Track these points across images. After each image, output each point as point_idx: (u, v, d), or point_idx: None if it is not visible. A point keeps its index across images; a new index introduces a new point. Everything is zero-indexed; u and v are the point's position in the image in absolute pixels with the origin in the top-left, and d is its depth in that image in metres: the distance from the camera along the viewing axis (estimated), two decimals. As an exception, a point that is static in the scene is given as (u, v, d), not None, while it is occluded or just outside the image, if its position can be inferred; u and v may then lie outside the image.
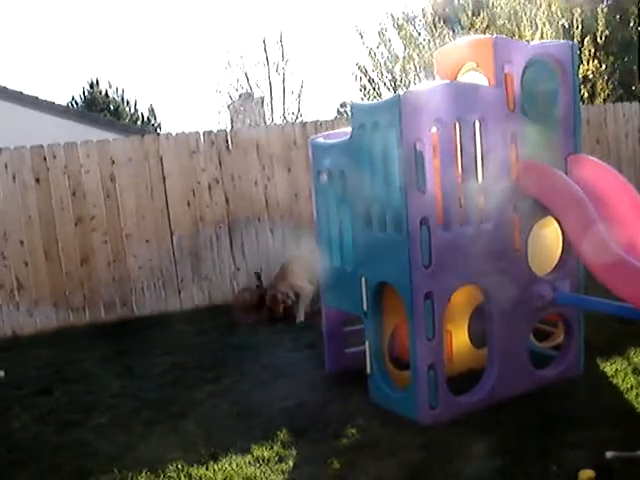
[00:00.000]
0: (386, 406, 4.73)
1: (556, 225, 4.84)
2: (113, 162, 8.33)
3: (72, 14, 48.39)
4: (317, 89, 45.82)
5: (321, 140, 5.38)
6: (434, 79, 5.25)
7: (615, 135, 10.44)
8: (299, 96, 25.30)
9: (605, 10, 14.11)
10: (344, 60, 31.65)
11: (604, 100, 13.82)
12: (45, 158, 8.12)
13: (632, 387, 4.73)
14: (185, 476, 4.06)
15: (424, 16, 14.91)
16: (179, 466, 4.16)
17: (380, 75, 15.51)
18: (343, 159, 4.91)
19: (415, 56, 14.74)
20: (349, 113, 4.87)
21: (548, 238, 4.95)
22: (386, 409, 4.70)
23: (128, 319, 8.30)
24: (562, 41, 5.27)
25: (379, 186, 4.53)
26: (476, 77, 4.80)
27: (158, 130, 29.45)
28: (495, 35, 5.01)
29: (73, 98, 31.15)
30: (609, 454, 3.75)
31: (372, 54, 15.37)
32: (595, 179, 4.74)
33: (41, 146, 8.13)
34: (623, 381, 4.86)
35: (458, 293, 4.68)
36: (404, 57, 15.14)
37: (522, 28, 13.50)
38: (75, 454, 4.52)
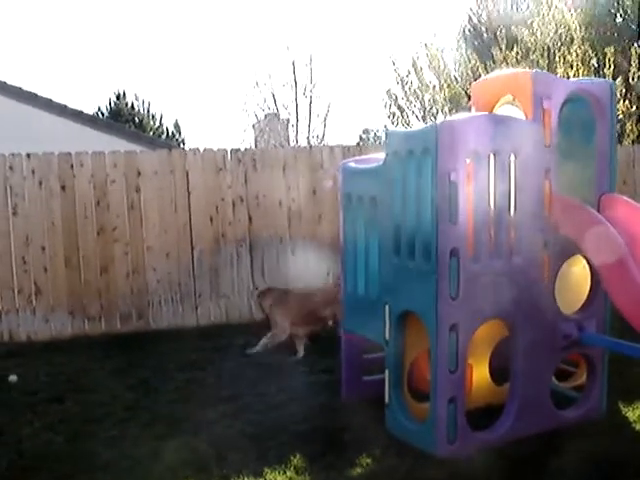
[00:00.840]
0: (403, 437, 4.66)
1: (585, 264, 4.79)
2: (139, 174, 8.35)
3: (102, 25, 48.96)
4: (340, 114, 45.98)
5: (353, 165, 5.35)
6: (469, 111, 5.23)
7: (643, 176, 10.38)
8: (325, 119, 25.38)
9: (638, 51, 14.06)
10: (369, 86, 31.77)
11: (633, 142, 13.75)
12: (72, 166, 8.15)
13: (656, 434, 4.64)
14: (197, 496, 4.01)
15: (457, 49, 14.97)
16: (191, 485, 4.11)
17: (409, 103, 15.57)
18: (375, 185, 4.87)
19: (445, 87, 14.76)
20: (370, 139, 4.86)
21: (577, 276, 4.89)
22: (402, 440, 4.63)
23: (144, 332, 8.25)
24: (601, 79, 5.24)
25: (410, 214, 4.49)
26: (513, 111, 4.77)
27: (182, 145, 29.59)
28: (535, 69, 4.98)
29: (99, 108, 31.40)
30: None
31: (403, 82, 15.43)
32: (627, 219, 4.68)
33: (69, 153, 8.17)
34: (646, 427, 4.77)
35: (482, 327, 4.62)
36: (434, 87, 15.18)
37: (554, 65, 13.50)
38: (85, 465, 4.48)
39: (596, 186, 4.84)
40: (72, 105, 15.41)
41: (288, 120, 19.01)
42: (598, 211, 4.72)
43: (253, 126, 18.93)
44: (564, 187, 4.66)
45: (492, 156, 4.41)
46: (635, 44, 14.41)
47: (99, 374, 6.58)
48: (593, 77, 12.37)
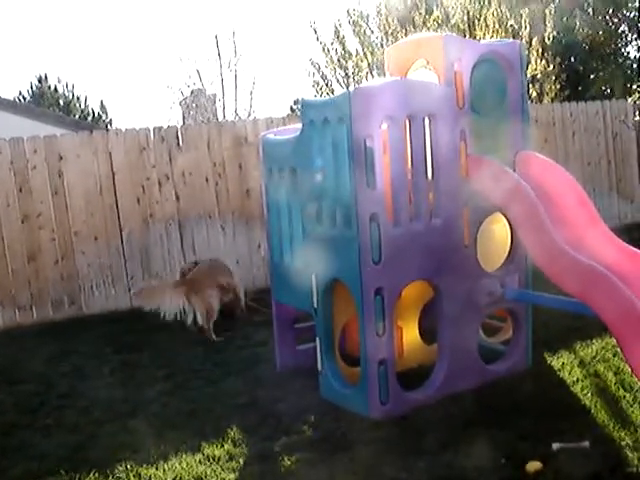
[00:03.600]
0: (337, 402, 4.74)
1: (505, 221, 4.91)
2: (61, 158, 8.18)
3: (19, 7, 47.35)
4: (270, 87, 45.66)
5: (272, 136, 5.35)
6: (385, 76, 5.27)
7: (563, 134, 10.65)
8: (251, 93, 25.17)
9: (552, 12, 14.36)
10: (297, 57, 31.57)
11: (552, 100, 14.06)
12: (-10, 153, 7.93)
13: (578, 380, 4.83)
14: (135, 476, 4.01)
15: (378, 14, 14.93)
16: (129, 466, 4.10)
17: (333, 72, 15.54)
18: (294, 155, 4.90)
19: (369, 54, 14.78)
20: (299, 110, 4.86)
21: (497, 234, 5.01)
22: (338, 405, 4.71)
23: (77, 317, 8.15)
24: (511, 40, 5.33)
25: (329, 182, 4.52)
26: (426, 75, 4.83)
27: (109, 126, 29.01)
28: (445, 33, 5.04)
29: (20, 93, 30.54)
30: (555, 445, 3.82)
31: (326, 50, 15.37)
32: (543, 176, 4.81)
33: (-15, 141, 7.94)
34: (569, 374, 4.95)
35: (408, 289, 4.71)
36: (357, 54, 15.18)
37: (473, 28, 13.66)
38: (21, 456, 4.42)
39: (511, 145, 4.94)
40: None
41: (214, 95, 18.73)
42: (514, 169, 4.83)
43: (179, 103, 18.65)
44: (480, 147, 4.75)
45: (407, 120, 4.47)
46: (550, 5, 14.71)
47: (32, 363, 6.47)
48: (511, 39, 12.55)
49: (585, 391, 4.64)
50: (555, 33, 14.32)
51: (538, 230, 4.22)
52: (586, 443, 3.83)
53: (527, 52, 12.78)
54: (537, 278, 4.87)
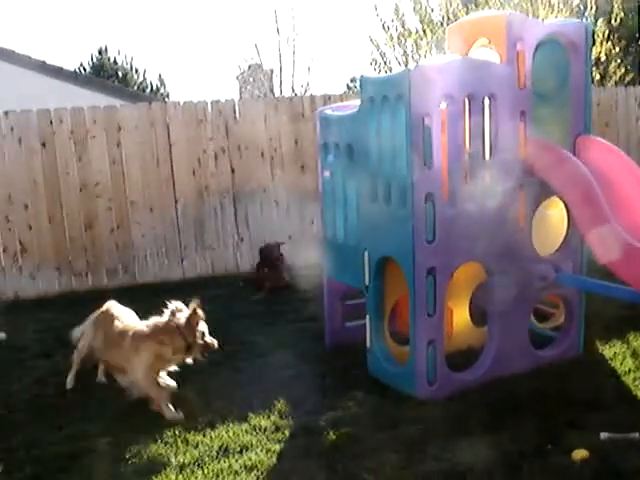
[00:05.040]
0: (384, 380, 4.75)
1: (562, 206, 4.83)
2: (120, 128, 8.31)
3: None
4: (327, 63, 45.45)
5: (329, 112, 5.34)
6: (446, 55, 5.21)
7: (625, 118, 10.37)
8: (309, 69, 25.12)
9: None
10: (356, 35, 31.29)
11: (616, 83, 13.70)
12: (51, 122, 8.10)
13: (630, 370, 4.74)
14: (182, 442, 4.09)
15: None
16: (177, 432, 4.19)
17: (392, 49, 15.37)
18: (351, 132, 4.88)
19: (429, 32, 14.57)
20: (358, 87, 4.83)
21: (553, 218, 4.94)
22: (384, 383, 4.72)
23: (130, 286, 8.31)
24: (576, 21, 5.21)
25: (386, 160, 4.50)
26: (488, 54, 4.75)
27: (166, 99, 29.29)
28: (509, 12, 4.95)
29: (81, 64, 30.97)
30: (603, 435, 3.77)
31: (385, 28, 15.19)
32: (603, 160, 4.72)
33: (47, 110, 8.11)
34: (621, 364, 4.87)
35: (461, 271, 4.68)
36: (417, 32, 14.97)
37: (537, 7, 13.34)
38: (74, 417, 4.56)
39: (571, 128, 4.85)
40: (52, 62, 15.22)
41: (272, 71, 18.74)
42: (574, 153, 4.74)
43: (237, 77, 18.71)
44: (540, 129, 4.67)
45: (467, 100, 4.41)
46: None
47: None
48: (576, 19, 12.26)
49: (637, 382, 4.56)
50: (622, 15, 13.89)
51: (595, 214, 4.15)
52: (636, 434, 3.77)
53: (592, 33, 12.45)
54: (592, 266, 4.80)
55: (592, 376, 4.73)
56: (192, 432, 4.19)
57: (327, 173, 5.31)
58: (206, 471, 3.76)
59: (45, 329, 6.72)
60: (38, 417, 4.59)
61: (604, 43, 13.30)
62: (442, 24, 14.57)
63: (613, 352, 5.09)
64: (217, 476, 3.71)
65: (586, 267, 5.04)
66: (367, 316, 4.89)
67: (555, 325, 5.45)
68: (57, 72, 15.07)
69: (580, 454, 3.61)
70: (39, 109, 8.09)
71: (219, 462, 3.84)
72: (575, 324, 5.09)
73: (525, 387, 4.53)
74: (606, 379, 4.69)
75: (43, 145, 8.09)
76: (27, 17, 49.64)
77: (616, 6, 13.80)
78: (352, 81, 28.64)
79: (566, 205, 4.71)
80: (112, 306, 5.06)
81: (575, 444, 3.70)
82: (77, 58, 49.77)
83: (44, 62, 14.90)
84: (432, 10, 15.42)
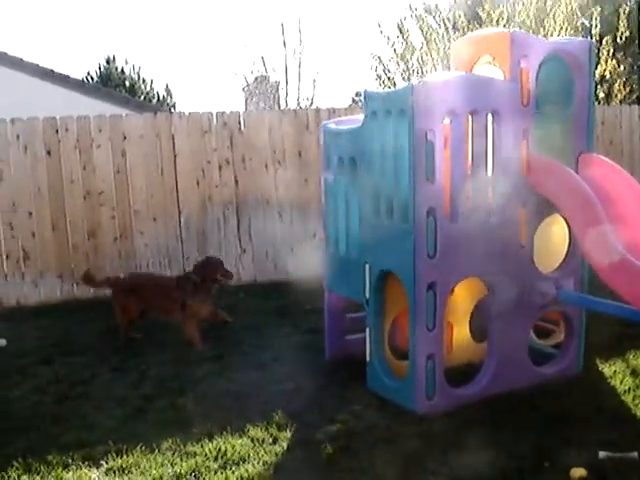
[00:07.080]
0: (383, 394, 4.75)
1: (563, 223, 4.84)
2: (125, 138, 8.34)
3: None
4: (333, 77, 45.62)
5: (333, 126, 5.36)
6: (450, 71, 5.23)
7: (629, 137, 10.38)
8: (314, 82, 25.17)
9: (627, 11, 13.97)
10: (361, 49, 31.44)
11: (620, 102, 13.73)
12: (57, 131, 8.13)
13: (630, 389, 4.73)
14: (179, 452, 4.08)
15: (442, 9, 14.81)
16: (175, 442, 4.18)
17: (397, 65, 15.45)
18: (354, 146, 4.90)
19: (433, 48, 14.65)
20: (361, 102, 4.85)
21: (554, 236, 4.94)
22: (383, 397, 4.72)
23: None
24: (580, 39, 5.23)
25: (388, 174, 4.51)
26: (491, 71, 4.77)
27: (173, 109, 29.39)
28: (513, 29, 4.98)
29: (88, 73, 31.11)
30: (602, 454, 3.76)
31: (390, 44, 15.28)
32: (605, 179, 4.72)
33: (54, 118, 8.14)
34: (621, 383, 4.86)
35: (461, 286, 4.69)
36: (422, 48, 15.05)
37: (541, 25, 13.40)
38: (73, 425, 4.56)
39: (574, 146, 4.86)
40: (61, 70, 15.27)
41: (278, 83, 18.82)
42: (576, 171, 4.75)
43: (243, 89, 18.79)
44: (542, 147, 4.68)
45: (470, 116, 4.43)
46: (624, 4, 14.32)
47: (87, 337, 6.67)
48: (581, 37, 12.30)
49: (636, 401, 4.55)
50: (628, 33, 13.93)
51: (598, 235, 4.14)
52: (635, 454, 3.76)
53: (597, 51, 12.51)
54: (593, 284, 4.80)
55: (591, 394, 4.72)
56: (190, 442, 4.18)
57: (330, 186, 5.32)
58: (202, 482, 3.76)
59: (46, 336, 6.73)
60: (36, 425, 4.58)
61: (609, 61, 13.34)
62: (447, 40, 14.66)
63: (613, 370, 5.08)
64: (213, 487, 3.71)
65: (587, 285, 5.04)
66: (367, 329, 4.90)
67: (556, 342, 5.44)
68: (64, 80, 15.13)
69: (578, 473, 3.60)
70: (45, 117, 8.13)
71: (216, 473, 3.83)
72: (575, 341, 5.08)
73: (524, 404, 4.53)
74: (605, 397, 4.69)
75: (48, 153, 8.11)
76: (35, 25, 50.00)
77: (622, 24, 13.85)
78: (357, 95, 28.71)
79: (568, 222, 4.72)
80: None
81: (573, 462, 3.69)
82: (85, 67, 49.98)
83: (52, 70, 14.98)
84: (439, 26, 15.52)
